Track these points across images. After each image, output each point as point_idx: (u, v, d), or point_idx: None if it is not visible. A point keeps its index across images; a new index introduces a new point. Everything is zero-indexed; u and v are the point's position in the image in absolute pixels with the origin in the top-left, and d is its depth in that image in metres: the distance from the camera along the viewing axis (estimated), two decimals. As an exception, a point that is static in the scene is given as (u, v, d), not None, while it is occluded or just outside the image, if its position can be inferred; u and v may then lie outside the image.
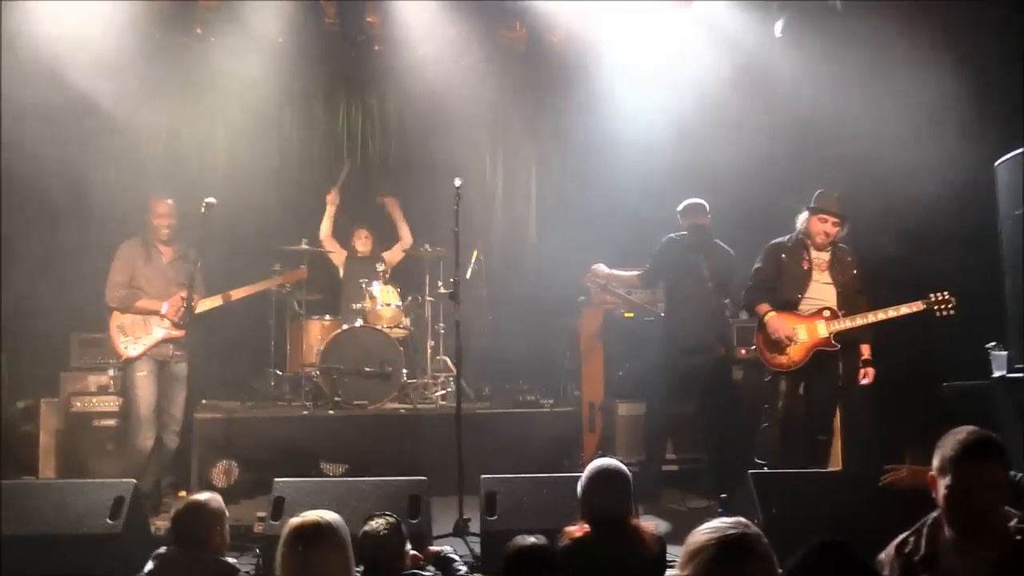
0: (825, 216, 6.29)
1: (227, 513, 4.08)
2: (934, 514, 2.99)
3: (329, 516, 3.24)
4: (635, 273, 7.34)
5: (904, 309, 6.05)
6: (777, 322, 6.24)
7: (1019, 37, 5.79)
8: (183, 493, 6.40)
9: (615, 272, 7.51)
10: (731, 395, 7.08)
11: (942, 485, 2.90)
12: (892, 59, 6.80)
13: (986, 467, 2.84)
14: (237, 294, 7.14)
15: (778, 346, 6.25)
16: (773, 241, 6.54)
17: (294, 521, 3.22)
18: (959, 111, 6.29)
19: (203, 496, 4.02)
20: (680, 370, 6.83)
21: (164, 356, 6.64)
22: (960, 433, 2.94)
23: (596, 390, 7.76)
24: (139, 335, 6.60)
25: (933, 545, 2.95)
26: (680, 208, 7.14)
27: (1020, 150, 5.50)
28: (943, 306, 5.96)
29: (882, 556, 3.05)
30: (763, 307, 6.35)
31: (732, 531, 2.30)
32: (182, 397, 6.82)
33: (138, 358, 6.57)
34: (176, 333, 6.58)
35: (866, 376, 6.29)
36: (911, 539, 3.02)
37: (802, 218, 6.41)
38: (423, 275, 8.79)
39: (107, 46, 7.69)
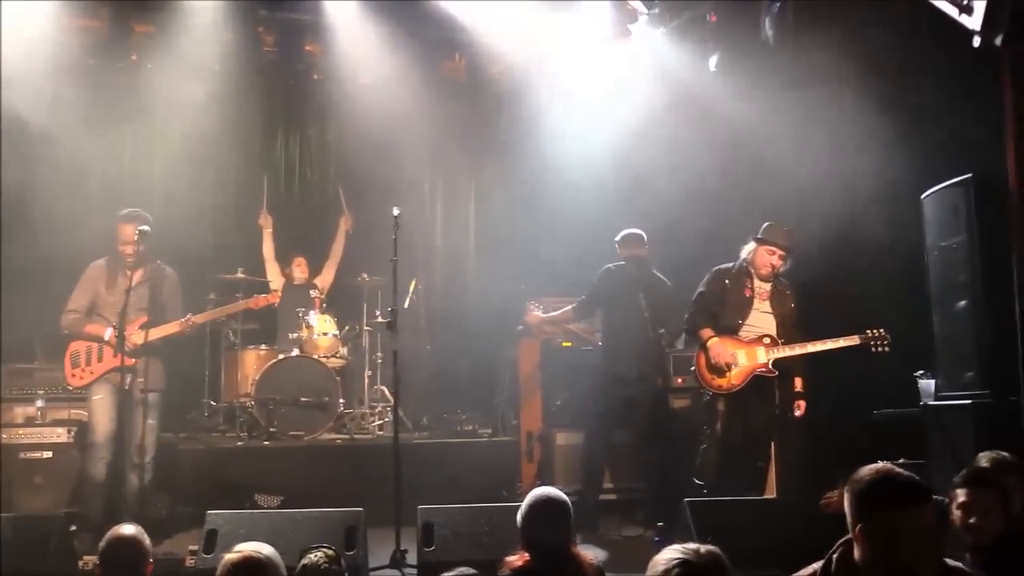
0: (773, 248, 6.42)
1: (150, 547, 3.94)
2: (842, 544, 2.82)
3: (265, 549, 3.16)
4: (568, 308, 7.36)
5: (842, 342, 6.21)
6: (719, 347, 6.33)
7: (944, 71, 5.96)
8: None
9: (550, 315, 7.55)
10: (669, 424, 7.12)
11: (863, 534, 2.70)
12: (823, 92, 6.95)
13: (906, 513, 2.64)
14: (201, 319, 6.72)
15: (718, 370, 6.34)
16: (718, 267, 6.64)
17: (230, 557, 3.13)
18: (887, 143, 6.43)
19: (131, 529, 3.80)
20: (617, 399, 6.87)
21: (118, 383, 6.13)
22: (868, 474, 2.76)
23: (534, 420, 7.76)
24: (90, 363, 6.30)
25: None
26: (618, 238, 7.21)
27: (943, 184, 5.67)
28: (879, 342, 6.14)
29: None
30: (706, 332, 6.44)
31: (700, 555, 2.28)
32: (143, 427, 6.20)
33: (86, 385, 6.28)
34: (128, 361, 6.07)
35: (798, 408, 6.42)
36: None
37: (748, 248, 6.53)
38: (361, 304, 8.74)
39: (41, 70, 7.60)
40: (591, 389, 7.09)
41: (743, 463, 6.48)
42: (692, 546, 2.32)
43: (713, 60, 7.91)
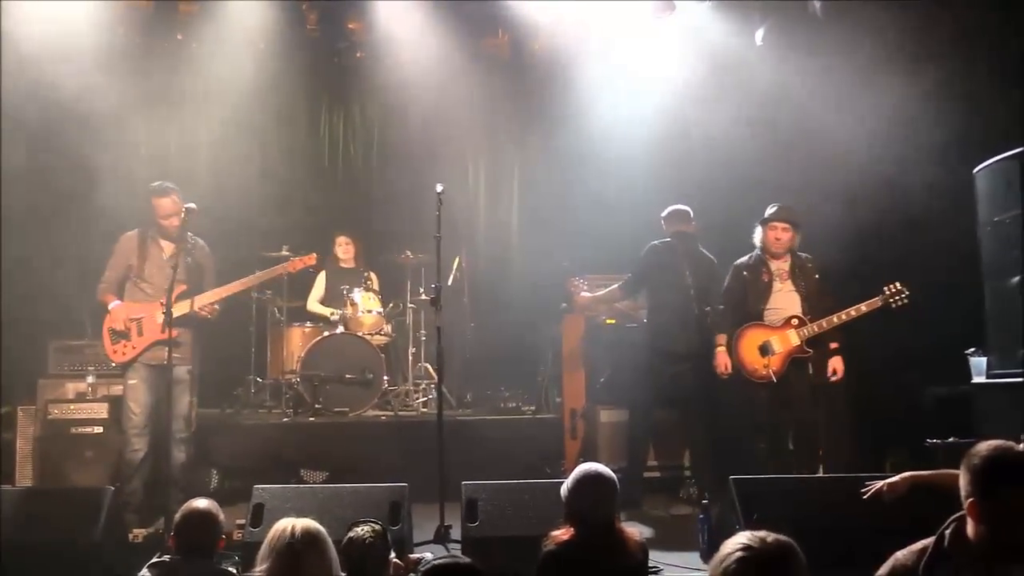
0: (775, 224, 6.48)
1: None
2: (954, 520, 2.80)
3: (312, 523, 3.19)
4: (615, 288, 7.29)
5: (864, 307, 6.21)
6: (724, 358, 6.49)
7: (999, 44, 5.83)
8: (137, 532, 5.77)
9: (597, 295, 7.45)
10: (714, 401, 7.08)
11: (977, 509, 2.70)
12: (872, 65, 6.83)
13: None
14: (240, 285, 6.57)
15: (757, 359, 6.37)
16: (736, 261, 6.72)
17: (277, 527, 3.16)
18: (939, 116, 6.32)
19: (203, 503, 3.85)
20: (663, 376, 6.82)
21: (159, 360, 6.08)
22: (985, 450, 2.77)
23: (578, 397, 7.75)
24: (130, 337, 6.26)
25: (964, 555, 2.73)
26: (664, 214, 7.14)
27: (998, 157, 5.54)
28: (897, 297, 6.13)
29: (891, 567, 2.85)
30: (719, 339, 6.54)
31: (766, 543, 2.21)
32: (185, 402, 6.28)
33: (129, 363, 6.26)
34: (173, 333, 5.84)
35: (835, 372, 6.40)
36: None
37: (757, 233, 6.60)
38: (405, 281, 8.75)
39: (87, 50, 7.71)
40: (637, 366, 7.04)
41: (792, 445, 6.46)
42: (760, 534, 2.23)
43: (760, 33, 7.80)
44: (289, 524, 3.14)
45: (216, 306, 6.44)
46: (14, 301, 7.35)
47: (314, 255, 7.09)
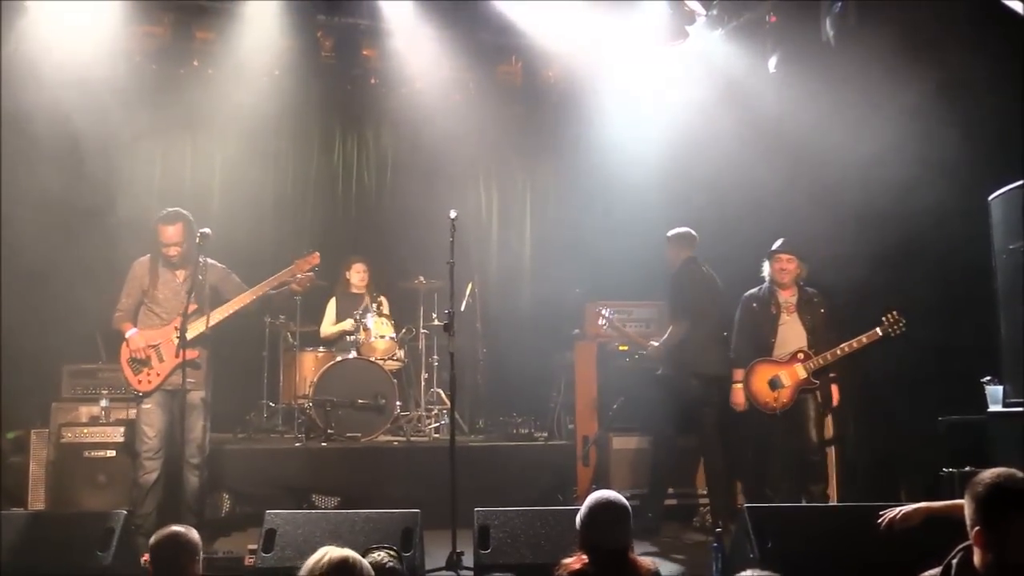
0: (779, 256, 6.71)
1: (200, 545, 3.97)
2: (961, 550, 2.80)
3: (351, 553, 3.09)
4: (671, 331, 7.00)
5: (864, 339, 6.41)
6: (739, 396, 6.70)
7: (1014, 72, 5.83)
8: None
9: (655, 346, 7.17)
10: (737, 427, 7.10)
11: (982, 538, 2.69)
12: (885, 93, 6.84)
13: None
14: (256, 292, 6.44)
15: (768, 393, 6.56)
16: (746, 293, 6.89)
17: (315, 556, 3.02)
18: (951, 146, 6.31)
19: (179, 527, 3.85)
20: (692, 401, 6.83)
21: (175, 385, 6.10)
22: (989, 478, 2.77)
23: (590, 423, 7.74)
24: (152, 365, 6.18)
25: None
26: (675, 236, 7.12)
27: (1015, 184, 5.52)
28: (896, 326, 6.31)
29: None
30: (737, 374, 6.73)
31: None
32: (199, 427, 6.20)
33: (155, 390, 6.16)
34: (191, 354, 5.97)
35: (832, 397, 6.65)
36: None
37: (765, 266, 6.80)
38: (417, 307, 8.77)
39: (103, 76, 7.78)
40: (660, 393, 7.00)
41: (805, 471, 6.51)
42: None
43: (773, 61, 7.83)
44: (326, 554, 3.06)
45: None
46: (29, 324, 7.39)
47: (317, 253, 6.83)
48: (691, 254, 7.08)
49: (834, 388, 6.61)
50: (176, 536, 3.79)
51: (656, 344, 7.10)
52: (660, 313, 8.20)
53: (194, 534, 3.84)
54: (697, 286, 6.99)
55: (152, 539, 3.84)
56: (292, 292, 6.81)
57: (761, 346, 6.69)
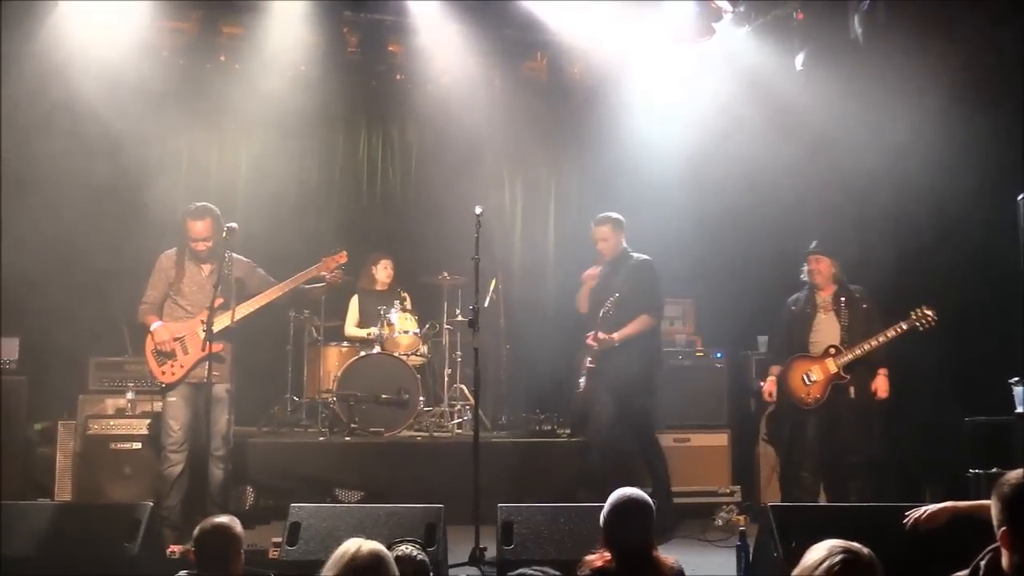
0: (809, 256, 6.86)
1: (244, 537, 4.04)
2: (990, 551, 2.79)
3: (378, 546, 3.07)
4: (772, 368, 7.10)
5: (891, 333, 6.47)
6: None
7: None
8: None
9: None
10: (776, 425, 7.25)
11: (1009, 538, 2.69)
12: (914, 91, 6.80)
13: None
14: (278, 290, 6.47)
15: (801, 387, 6.70)
16: (789, 298, 7.04)
17: (341, 549, 2.99)
18: (980, 144, 6.27)
19: (224, 519, 3.93)
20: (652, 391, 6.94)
21: (199, 378, 6.12)
22: (1017, 478, 2.77)
23: (613, 420, 7.69)
24: (176, 357, 6.21)
25: None
26: (620, 220, 7.12)
27: (1043, 184, 5.49)
28: (924, 320, 6.34)
29: None
30: (773, 369, 6.99)
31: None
32: (224, 420, 6.23)
33: (179, 382, 6.21)
34: (216, 347, 6.04)
35: (876, 391, 6.64)
36: None
37: (804, 267, 6.91)
38: (441, 303, 8.78)
39: (131, 71, 7.85)
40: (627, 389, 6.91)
41: (846, 471, 6.59)
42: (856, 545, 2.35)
43: (799, 59, 7.79)
44: (354, 546, 3.04)
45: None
46: (57, 317, 7.45)
47: (344, 252, 6.87)
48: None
49: (882, 379, 6.62)
50: (225, 527, 3.86)
51: (615, 336, 6.82)
52: (684, 310, 8.18)
53: (239, 526, 3.90)
54: (659, 277, 7.01)
55: (197, 530, 3.89)
56: (327, 287, 6.90)
57: (798, 344, 6.84)
